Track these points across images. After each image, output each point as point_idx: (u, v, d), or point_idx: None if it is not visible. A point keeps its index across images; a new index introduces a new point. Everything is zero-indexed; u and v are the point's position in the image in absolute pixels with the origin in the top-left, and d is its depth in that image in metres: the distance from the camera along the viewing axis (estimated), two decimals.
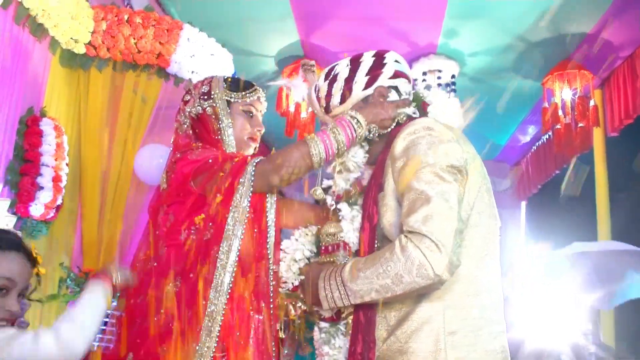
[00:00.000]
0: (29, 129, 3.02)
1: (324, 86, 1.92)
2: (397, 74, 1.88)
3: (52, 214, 3.06)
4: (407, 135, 1.66)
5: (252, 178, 1.82)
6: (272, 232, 1.90)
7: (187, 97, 2.14)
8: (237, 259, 1.80)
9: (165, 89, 3.56)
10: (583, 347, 4.88)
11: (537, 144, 6.75)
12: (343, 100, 1.88)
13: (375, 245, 1.68)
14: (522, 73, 5.17)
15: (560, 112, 4.84)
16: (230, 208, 1.81)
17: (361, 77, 1.86)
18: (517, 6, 4.20)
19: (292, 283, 1.87)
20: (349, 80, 1.87)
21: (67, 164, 3.17)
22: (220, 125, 2.05)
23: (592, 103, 4.80)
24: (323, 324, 1.81)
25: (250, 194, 1.83)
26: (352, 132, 1.81)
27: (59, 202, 3.08)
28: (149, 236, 1.95)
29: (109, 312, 3.17)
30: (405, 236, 1.54)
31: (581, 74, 4.77)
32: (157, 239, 1.91)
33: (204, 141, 2.05)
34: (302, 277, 1.85)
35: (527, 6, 4.19)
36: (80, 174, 3.41)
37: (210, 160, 1.88)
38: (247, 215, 1.82)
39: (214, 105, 2.07)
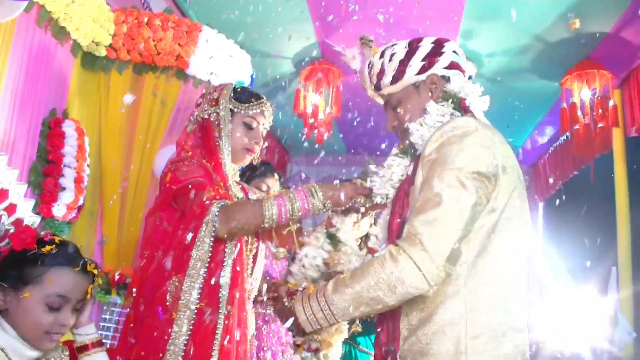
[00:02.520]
0: (52, 131, 3.07)
1: (377, 63, 1.90)
2: (452, 65, 1.85)
3: (73, 215, 3.11)
4: (445, 133, 1.63)
5: (216, 219, 1.82)
6: (225, 289, 1.87)
7: (200, 101, 2.19)
8: (198, 297, 1.82)
9: (184, 90, 3.59)
10: (601, 350, 4.85)
11: (555, 144, 6.70)
12: (394, 81, 1.86)
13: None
14: (540, 73, 5.14)
15: (579, 113, 4.80)
16: (195, 246, 1.83)
17: (416, 62, 1.84)
18: (535, 6, 4.18)
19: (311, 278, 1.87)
20: (404, 63, 1.84)
21: (88, 165, 3.21)
22: (221, 134, 2.10)
23: (611, 103, 4.76)
24: (305, 354, 1.81)
25: (213, 235, 1.83)
26: (308, 203, 1.85)
27: (80, 202, 3.12)
28: (148, 239, 2.00)
29: (119, 310, 3.23)
30: (396, 245, 1.53)
31: (600, 74, 4.73)
32: (154, 243, 1.95)
33: (204, 146, 2.10)
34: (322, 271, 1.85)
35: (545, 6, 4.17)
36: (101, 175, 3.45)
37: (189, 186, 1.90)
38: (209, 256, 1.84)
39: (218, 112, 2.11)
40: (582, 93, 4.81)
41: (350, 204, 1.87)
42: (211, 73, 3.61)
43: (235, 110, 2.12)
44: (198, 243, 1.82)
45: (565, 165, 6.28)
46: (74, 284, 1.60)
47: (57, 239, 1.64)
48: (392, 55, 1.87)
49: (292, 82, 5.54)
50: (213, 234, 1.83)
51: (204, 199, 1.85)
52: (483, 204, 1.58)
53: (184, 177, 1.93)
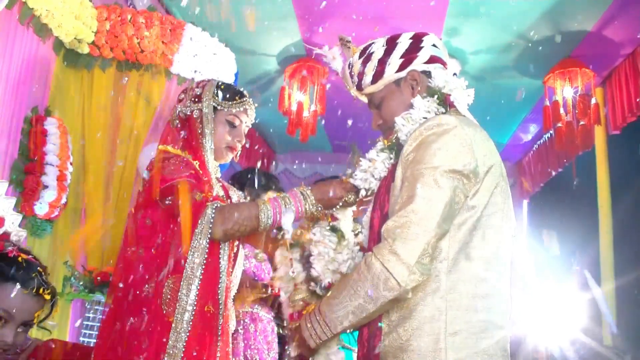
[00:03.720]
0: (34, 128, 3.05)
1: (357, 64, 1.90)
2: (432, 59, 1.84)
3: (56, 213, 3.09)
4: (425, 131, 1.64)
5: (212, 221, 1.83)
6: (223, 278, 1.91)
7: (182, 96, 2.18)
8: (196, 298, 1.83)
9: (168, 88, 3.58)
10: (584, 344, 4.90)
11: (538, 142, 6.75)
12: (375, 80, 1.86)
13: None
14: (523, 71, 5.18)
15: (561, 111, 4.84)
16: (190, 248, 1.83)
17: (395, 59, 1.83)
18: (519, 4, 4.21)
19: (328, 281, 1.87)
20: (383, 61, 1.84)
21: (71, 163, 3.19)
22: (203, 131, 2.09)
23: (593, 101, 4.80)
24: None
25: (209, 236, 1.85)
26: (302, 206, 1.86)
27: (63, 201, 3.10)
28: (131, 235, 1.99)
29: (102, 309, 3.22)
30: (372, 253, 1.55)
31: (582, 72, 4.77)
32: (139, 241, 1.94)
33: (186, 143, 2.09)
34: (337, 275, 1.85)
35: (528, 4, 4.20)
36: (85, 173, 3.43)
37: (177, 185, 1.90)
38: (205, 257, 1.85)
39: (201, 109, 2.10)
40: (565, 91, 4.85)
41: (341, 203, 1.88)
42: (195, 71, 3.60)
43: (219, 108, 2.12)
44: (194, 244, 1.83)
45: (549, 162, 6.34)
46: (20, 305, 1.56)
47: (22, 257, 1.61)
48: (370, 54, 1.87)
49: (276, 79, 5.53)
50: (209, 235, 1.83)
51: (197, 199, 1.85)
52: (461, 202, 1.59)
53: (170, 177, 1.91)
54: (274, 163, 7.64)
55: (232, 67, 3.84)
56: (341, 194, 1.87)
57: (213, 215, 1.83)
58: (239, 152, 2.21)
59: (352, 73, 1.93)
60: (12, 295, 1.55)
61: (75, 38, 3.28)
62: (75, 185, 3.30)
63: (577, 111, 4.82)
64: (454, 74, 1.92)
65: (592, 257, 5.10)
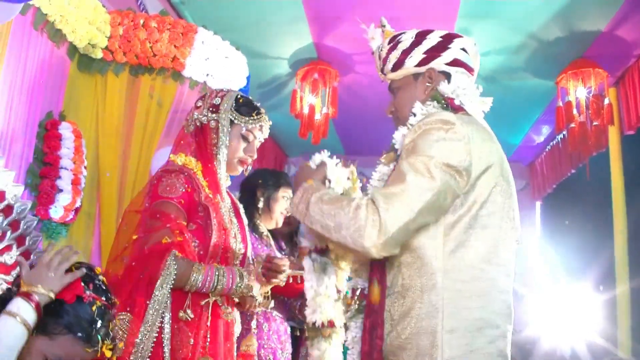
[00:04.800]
0: (48, 133, 3.07)
1: (385, 49, 1.93)
2: (456, 62, 1.85)
3: (71, 217, 3.11)
4: (424, 125, 1.68)
5: (175, 272, 1.86)
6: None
7: (199, 103, 2.20)
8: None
9: (180, 92, 3.59)
10: (598, 346, 4.86)
11: (551, 143, 6.72)
12: (395, 69, 1.90)
13: None
14: (535, 72, 5.15)
15: (574, 111, 4.81)
16: (152, 296, 1.85)
17: (418, 53, 1.85)
18: (529, 5, 4.19)
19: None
20: (406, 53, 1.86)
21: (85, 167, 3.21)
22: (218, 142, 2.13)
23: (606, 101, 4.77)
24: (314, 256, 1.86)
25: (172, 283, 1.87)
26: (233, 285, 1.95)
27: (77, 204, 3.12)
28: (125, 236, 2.02)
29: None
30: (369, 199, 1.60)
31: (595, 72, 4.74)
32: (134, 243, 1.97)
33: (199, 151, 2.13)
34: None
35: (539, 4, 4.18)
36: (99, 177, 3.46)
37: (158, 215, 1.94)
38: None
39: (218, 120, 2.13)
40: (578, 91, 4.81)
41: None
42: (207, 74, 3.61)
43: (235, 121, 2.15)
44: (156, 293, 1.85)
45: (562, 164, 6.30)
46: (68, 351, 1.56)
47: (98, 303, 1.60)
48: (398, 43, 1.89)
49: (288, 82, 5.54)
50: (172, 283, 1.87)
51: (162, 241, 1.88)
52: (450, 196, 1.61)
53: (160, 196, 1.97)
54: (286, 166, 7.67)
55: (244, 70, 3.85)
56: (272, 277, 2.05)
57: (175, 266, 1.87)
58: (249, 167, 2.24)
59: (380, 56, 1.95)
60: (73, 349, 1.54)
61: (89, 43, 3.31)
62: (89, 189, 3.33)
63: (590, 112, 4.79)
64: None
65: (607, 259, 5.07)
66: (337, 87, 5.16)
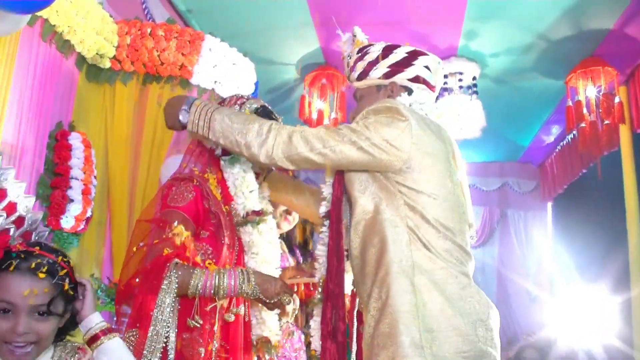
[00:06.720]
0: (58, 143, 3.08)
1: (353, 58, 2.03)
2: (417, 79, 1.94)
3: (82, 226, 3.11)
4: (370, 108, 1.82)
5: (177, 281, 1.84)
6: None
7: None
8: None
9: None
10: (615, 348, 4.82)
11: (561, 143, 6.67)
12: (360, 78, 2.00)
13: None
14: (544, 72, 5.13)
15: (584, 110, 4.78)
16: (155, 308, 1.84)
17: (382, 67, 1.95)
18: (538, 4, 4.17)
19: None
20: (372, 64, 1.96)
21: (95, 177, 3.22)
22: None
23: (617, 100, 4.74)
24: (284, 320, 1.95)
25: (175, 293, 1.85)
26: (237, 285, 1.89)
27: (88, 214, 3.13)
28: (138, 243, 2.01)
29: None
30: (284, 127, 1.80)
31: (605, 71, 4.71)
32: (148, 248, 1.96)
33: (212, 159, 2.10)
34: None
35: (547, 4, 4.16)
36: (109, 186, 3.46)
37: (162, 225, 1.92)
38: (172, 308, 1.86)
39: None
40: (588, 90, 4.79)
41: (276, 299, 1.93)
42: (215, 82, 3.62)
43: None
44: (159, 304, 1.83)
45: (573, 163, 6.25)
46: (18, 289, 1.50)
47: (18, 247, 1.58)
48: (365, 54, 1.99)
49: (296, 88, 5.55)
50: (175, 291, 1.84)
51: (163, 253, 1.86)
52: (378, 166, 1.76)
53: (168, 205, 1.95)
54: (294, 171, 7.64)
55: (252, 76, 3.86)
56: (279, 291, 1.92)
57: (177, 276, 1.84)
58: (263, 176, 2.22)
59: (348, 64, 2.07)
60: (6, 281, 1.51)
61: (97, 53, 3.32)
62: (100, 199, 3.33)
63: (600, 110, 4.76)
64: (474, 77, 2.03)
65: (621, 259, 5.02)
66: (345, 92, 5.16)
